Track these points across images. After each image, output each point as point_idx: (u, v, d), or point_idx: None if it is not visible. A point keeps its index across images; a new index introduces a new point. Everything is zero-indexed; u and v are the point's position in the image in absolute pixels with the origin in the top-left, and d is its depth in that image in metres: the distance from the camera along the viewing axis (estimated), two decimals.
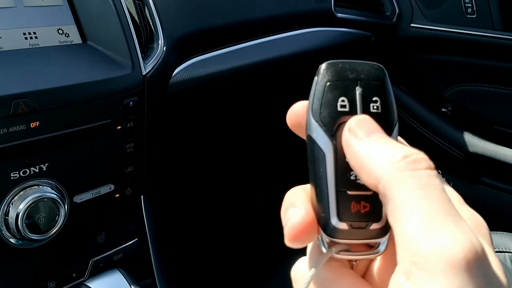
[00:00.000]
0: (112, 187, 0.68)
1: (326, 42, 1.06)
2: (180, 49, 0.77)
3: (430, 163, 0.23)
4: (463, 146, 1.20)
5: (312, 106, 0.25)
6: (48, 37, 0.63)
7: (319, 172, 0.25)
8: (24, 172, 0.58)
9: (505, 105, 1.16)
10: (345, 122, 0.24)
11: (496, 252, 0.84)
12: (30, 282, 0.63)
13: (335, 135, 0.24)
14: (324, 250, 0.26)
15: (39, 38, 0.62)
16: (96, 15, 0.67)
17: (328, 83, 0.25)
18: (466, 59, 1.18)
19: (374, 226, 0.25)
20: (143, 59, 0.69)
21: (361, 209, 0.24)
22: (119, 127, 0.66)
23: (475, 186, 1.22)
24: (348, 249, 0.26)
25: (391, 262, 0.26)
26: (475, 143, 1.19)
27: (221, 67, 0.85)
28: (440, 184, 0.22)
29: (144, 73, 0.68)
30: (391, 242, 0.26)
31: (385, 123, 0.25)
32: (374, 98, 0.25)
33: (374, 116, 0.25)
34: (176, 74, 0.78)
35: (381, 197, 0.23)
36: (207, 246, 1.09)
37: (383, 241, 0.26)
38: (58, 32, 0.64)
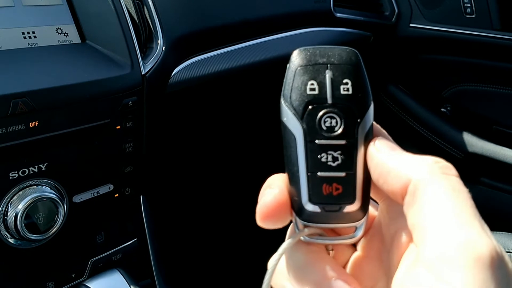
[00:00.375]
0: (111, 187, 0.68)
1: (325, 42, 1.06)
2: (179, 49, 0.77)
3: (457, 172, 0.23)
4: (462, 146, 1.20)
5: (283, 92, 0.25)
6: (47, 36, 0.62)
7: (290, 156, 0.25)
8: (23, 172, 0.58)
9: (504, 105, 1.16)
10: (314, 105, 0.25)
11: None
12: (29, 282, 0.63)
13: (305, 118, 0.25)
14: (297, 232, 0.26)
15: (38, 38, 0.62)
16: (95, 14, 0.66)
17: (298, 68, 0.25)
18: (465, 59, 1.18)
19: (348, 208, 0.25)
20: (142, 58, 0.69)
21: (333, 191, 0.24)
22: (118, 127, 0.66)
23: (474, 186, 1.22)
24: (323, 234, 0.26)
25: (374, 257, 0.27)
26: (474, 143, 1.19)
27: (220, 67, 0.84)
28: (468, 191, 0.23)
29: (143, 72, 0.68)
30: (376, 237, 0.27)
31: (358, 104, 0.25)
32: (344, 81, 0.25)
33: (345, 98, 0.25)
34: (175, 74, 0.77)
35: (407, 199, 0.23)
36: (206, 245, 1.09)
37: (359, 225, 0.25)
38: (57, 32, 0.64)
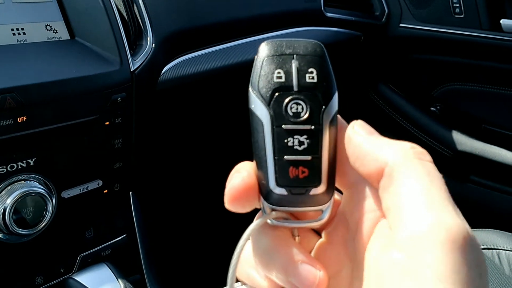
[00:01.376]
0: (100, 182, 0.68)
1: None
2: (169, 46, 0.78)
3: (431, 158, 0.24)
4: (451, 144, 1.21)
5: (251, 80, 0.26)
6: (36, 33, 0.63)
7: (258, 141, 0.26)
8: (12, 167, 0.58)
9: (493, 104, 1.17)
10: (281, 92, 0.25)
11: (485, 249, 0.84)
12: (18, 276, 0.63)
13: (272, 105, 0.25)
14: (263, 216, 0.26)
15: (27, 34, 0.62)
16: (85, 11, 0.67)
17: (265, 58, 0.26)
18: (454, 59, 1.19)
19: (314, 191, 0.25)
20: (131, 55, 0.69)
21: (299, 174, 0.25)
22: (107, 123, 0.66)
23: (464, 184, 1.23)
24: (289, 218, 0.26)
25: (339, 243, 0.27)
26: (464, 142, 1.20)
27: (210, 65, 0.85)
28: (442, 177, 0.23)
29: (132, 69, 0.68)
30: (341, 224, 0.27)
31: (323, 92, 0.26)
32: (310, 70, 0.26)
33: (310, 86, 0.26)
34: (165, 71, 0.78)
35: (383, 182, 0.23)
36: (196, 241, 1.09)
37: (325, 209, 0.26)
38: (46, 28, 0.64)
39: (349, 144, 0.25)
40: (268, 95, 0.26)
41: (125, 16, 0.72)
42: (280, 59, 0.26)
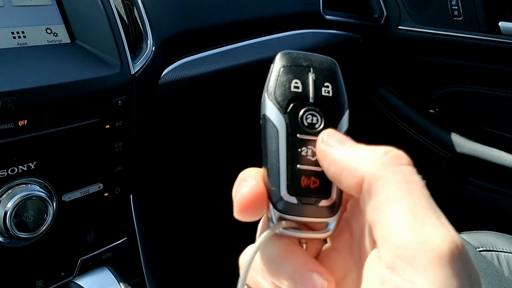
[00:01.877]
0: (101, 186, 0.68)
1: (314, 44, 1.07)
2: (169, 49, 0.78)
3: (409, 159, 0.23)
4: (450, 146, 1.22)
5: (267, 88, 0.27)
6: (37, 36, 0.63)
7: (271, 148, 0.26)
8: (12, 171, 0.58)
9: (491, 106, 1.17)
10: (297, 102, 0.26)
11: (484, 251, 0.85)
12: (19, 280, 0.63)
13: (288, 113, 0.26)
14: (272, 225, 0.26)
15: (28, 38, 0.62)
16: (85, 14, 0.67)
17: (282, 68, 0.27)
18: (453, 61, 1.19)
19: (323, 203, 0.26)
20: (132, 58, 0.69)
21: (310, 184, 0.25)
22: (107, 126, 0.66)
23: (463, 186, 1.23)
24: (297, 228, 0.26)
25: (344, 249, 0.27)
26: (462, 144, 1.20)
27: (210, 68, 0.85)
28: (421, 180, 0.22)
29: (132, 72, 0.68)
30: (346, 229, 0.27)
31: (336, 107, 0.26)
32: (325, 84, 0.26)
33: (325, 99, 0.26)
34: (165, 74, 0.78)
35: (363, 196, 0.23)
36: (197, 244, 1.09)
37: (332, 221, 0.26)
38: (46, 32, 0.64)
39: (324, 161, 0.25)
40: (284, 103, 0.26)
41: (125, 19, 0.72)
42: (297, 69, 0.27)
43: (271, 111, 0.26)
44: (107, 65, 0.65)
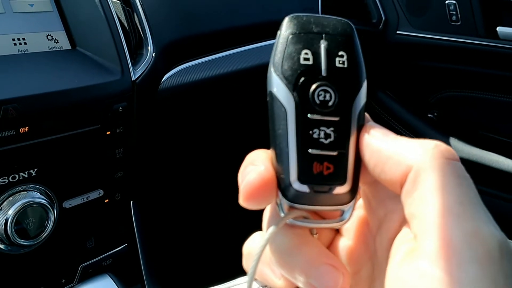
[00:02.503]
0: (102, 192, 0.68)
1: None
2: (169, 55, 0.78)
3: (458, 157, 0.22)
4: None
5: (273, 60, 0.23)
6: (37, 43, 0.63)
7: (279, 130, 0.23)
8: (13, 178, 0.58)
9: (490, 110, 1.18)
10: (308, 76, 0.23)
11: None
12: (19, 287, 0.63)
13: (297, 90, 0.23)
14: (282, 215, 0.24)
15: (28, 44, 0.62)
16: (86, 21, 0.67)
17: (291, 36, 0.23)
18: (451, 66, 1.20)
19: (338, 190, 0.23)
20: (132, 65, 0.69)
21: (324, 171, 0.23)
22: (108, 132, 0.66)
23: None
24: (309, 217, 0.24)
25: (360, 241, 0.25)
26: (461, 148, 1.21)
27: (210, 73, 0.85)
28: (470, 178, 0.21)
29: (133, 78, 0.68)
30: (362, 220, 0.25)
31: (353, 78, 0.23)
32: (340, 53, 0.23)
33: (340, 71, 0.23)
34: (165, 80, 0.78)
35: (406, 187, 0.21)
36: (198, 250, 1.09)
37: (347, 209, 0.24)
38: (47, 38, 0.64)
39: (366, 150, 0.23)
40: (293, 78, 0.23)
41: (126, 26, 0.72)
42: (307, 37, 0.23)
43: (278, 87, 0.23)
44: (107, 71, 0.65)
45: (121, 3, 0.73)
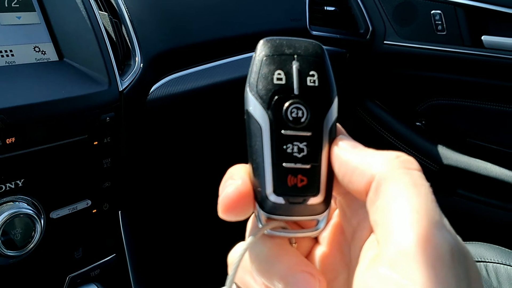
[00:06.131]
0: (89, 202, 0.68)
1: None
2: (157, 66, 0.79)
3: (419, 165, 0.23)
4: (437, 158, 1.23)
5: (249, 80, 0.25)
6: (25, 54, 0.63)
7: (255, 146, 0.24)
8: (0, 188, 0.58)
9: (477, 118, 1.19)
10: (281, 95, 0.24)
11: None
12: None
13: (271, 108, 0.24)
14: (260, 226, 0.25)
15: (16, 56, 0.63)
16: (73, 33, 0.68)
17: (264, 58, 0.25)
18: (438, 74, 1.21)
19: (312, 201, 0.24)
20: (120, 75, 0.70)
21: (298, 183, 0.24)
22: (95, 143, 0.66)
23: (450, 198, 1.24)
24: (286, 227, 0.26)
25: (336, 249, 0.27)
26: (449, 156, 1.22)
27: (198, 84, 0.86)
28: (428, 186, 0.23)
29: (121, 89, 0.69)
30: (337, 229, 0.27)
31: (323, 96, 0.25)
32: (311, 73, 0.24)
33: (311, 90, 0.24)
34: (153, 90, 0.79)
35: (370, 196, 0.23)
36: (186, 260, 1.09)
37: (322, 218, 0.25)
38: (34, 50, 0.65)
39: (336, 162, 0.24)
40: (267, 97, 0.24)
41: (113, 37, 0.73)
42: (280, 59, 0.25)
43: (254, 106, 0.24)
44: (95, 82, 0.66)
45: (108, 15, 0.73)
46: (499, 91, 1.14)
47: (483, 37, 1.10)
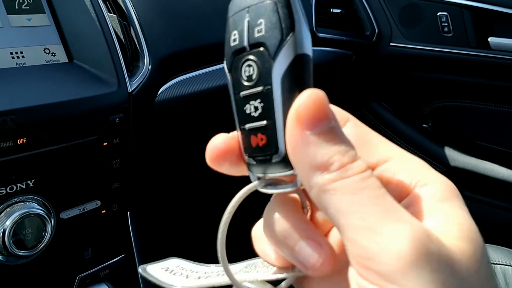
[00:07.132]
0: (99, 203, 0.69)
1: None
2: (165, 67, 0.79)
3: (361, 166, 0.21)
4: (444, 160, 1.23)
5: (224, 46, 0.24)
6: (35, 56, 0.64)
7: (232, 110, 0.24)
8: (11, 189, 0.59)
9: (484, 119, 1.19)
10: (238, 55, 0.23)
11: None
12: None
13: (231, 71, 0.23)
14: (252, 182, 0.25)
15: (26, 58, 0.63)
16: (83, 34, 0.68)
17: (228, 21, 0.24)
18: (444, 76, 1.21)
19: (276, 158, 0.23)
20: (128, 77, 0.70)
21: (259, 142, 0.23)
22: (105, 143, 0.67)
23: None
24: (272, 184, 0.24)
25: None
26: (456, 158, 1.21)
27: (206, 85, 0.86)
28: (374, 183, 0.21)
29: (129, 90, 0.69)
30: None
31: (271, 44, 0.22)
32: (259, 21, 0.22)
33: (258, 40, 0.22)
34: (161, 92, 0.79)
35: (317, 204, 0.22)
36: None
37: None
38: (44, 52, 0.65)
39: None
40: (228, 61, 0.24)
41: (122, 39, 0.73)
42: (236, 18, 0.23)
43: (226, 72, 0.24)
44: (104, 83, 0.66)
45: (117, 17, 0.74)
46: (505, 93, 1.14)
47: (489, 39, 1.10)
